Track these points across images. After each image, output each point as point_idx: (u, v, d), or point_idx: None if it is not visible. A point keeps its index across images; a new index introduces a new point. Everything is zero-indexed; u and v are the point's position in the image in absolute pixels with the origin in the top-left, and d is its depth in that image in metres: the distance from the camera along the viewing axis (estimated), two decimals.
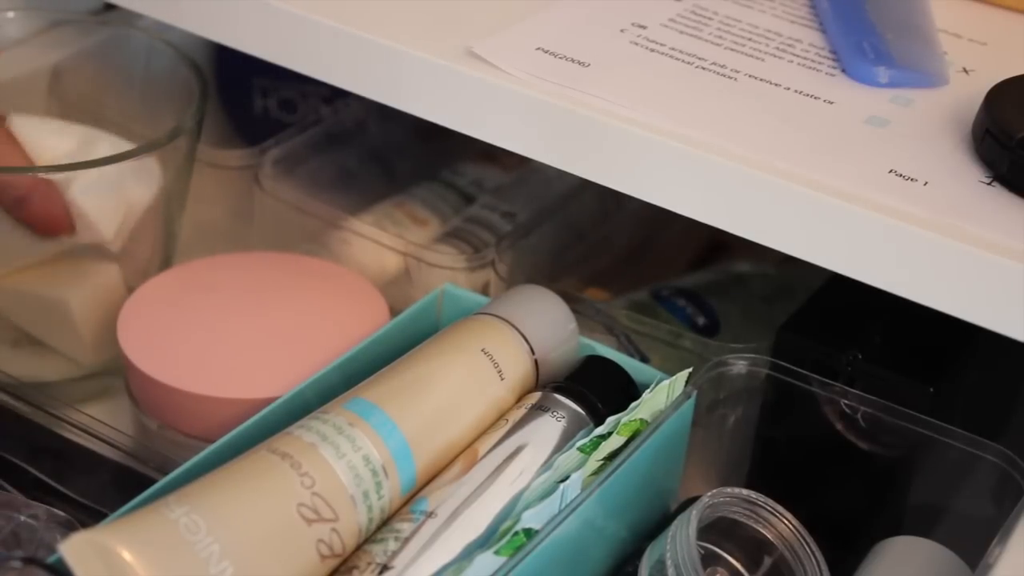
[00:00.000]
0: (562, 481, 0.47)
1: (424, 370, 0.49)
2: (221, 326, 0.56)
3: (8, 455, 0.53)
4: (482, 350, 0.50)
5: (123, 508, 0.44)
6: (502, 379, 0.50)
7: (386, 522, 0.46)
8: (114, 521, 0.41)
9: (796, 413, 0.54)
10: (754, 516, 0.49)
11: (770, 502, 0.49)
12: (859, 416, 0.52)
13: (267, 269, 0.60)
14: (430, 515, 0.46)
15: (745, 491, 0.49)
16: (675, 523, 0.47)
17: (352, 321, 0.57)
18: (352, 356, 0.52)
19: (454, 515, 0.46)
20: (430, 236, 0.68)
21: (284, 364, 0.54)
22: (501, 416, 0.50)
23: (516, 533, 0.45)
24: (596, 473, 0.48)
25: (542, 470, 0.48)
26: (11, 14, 0.66)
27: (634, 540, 0.51)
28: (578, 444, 0.48)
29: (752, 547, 0.49)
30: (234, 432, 0.47)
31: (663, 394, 0.51)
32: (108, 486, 0.52)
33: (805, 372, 0.52)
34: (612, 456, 0.48)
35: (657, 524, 0.52)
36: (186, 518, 0.40)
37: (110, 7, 0.67)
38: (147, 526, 0.40)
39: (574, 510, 0.46)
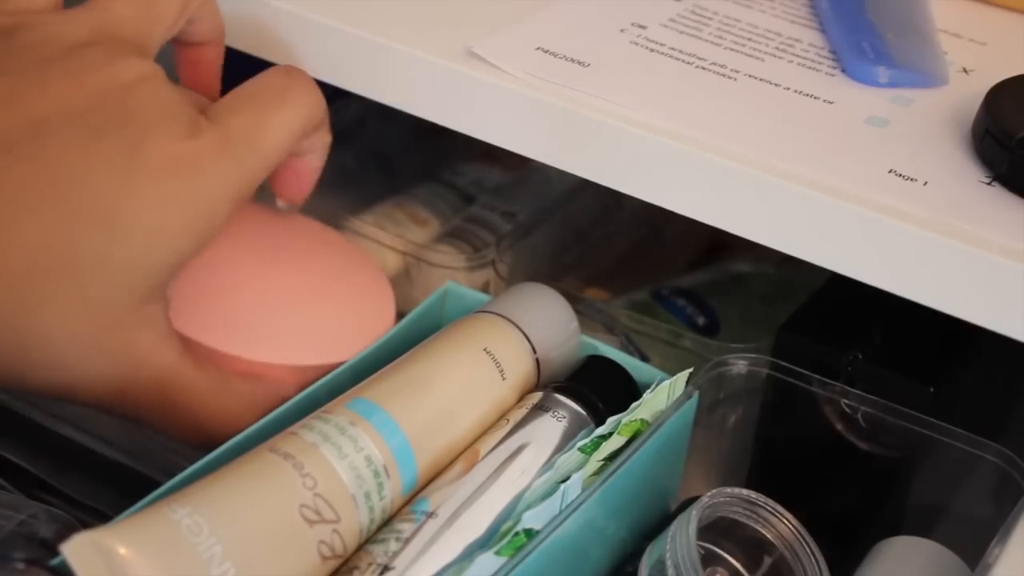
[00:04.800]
0: (563, 481, 0.47)
1: (426, 369, 0.49)
2: (240, 283, 0.54)
3: (8, 455, 0.53)
4: (484, 349, 0.50)
5: (129, 510, 0.43)
6: (504, 379, 0.50)
7: (387, 522, 0.46)
8: (116, 522, 0.41)
9: (796, 413, 0.54)
10: (754, 516, 0.49)
11: (770, 502, 0.49)
12: (859, 416, 0.52)
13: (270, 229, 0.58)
14: (431, 515, 0.45)
15: (745, 491, 0.48)
16: (675, 523, 0.47)
17: (359, 317, 0.56)
18: (364, 358, 0.52)
19: (455, 515, 0.46)
20: (430, 236, 0.68)
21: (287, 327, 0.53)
22: (502, 416, 0.50)
23: (517, 533, 0.45)
24: (597, 473, 0.48)
25: (543, 470, 0.48)
26: None
27: (634, 540, 0.51)
28: (579, 444, 0.48)
29: (752, 547, 0.49)
30: (250, 430, 0.47)
31: (664, 394, 0.51)
32: (108, 486, 0.52)
33: (805, 372, 0.52)
34: (613, 456, 0.48)
35: (657, 524, 0.52)
36: (188, 519, 0.40)
37: None
38: (149, 527, 0.40)
39: (575, 510, 0.46)
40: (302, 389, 0.50)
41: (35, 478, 0.52)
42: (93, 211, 0.43)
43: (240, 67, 0.68)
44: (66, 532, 0.47)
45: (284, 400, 0.50)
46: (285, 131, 0.48)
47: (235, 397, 0.48)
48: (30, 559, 0.41)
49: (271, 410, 0.49)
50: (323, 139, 0.53)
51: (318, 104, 0.50)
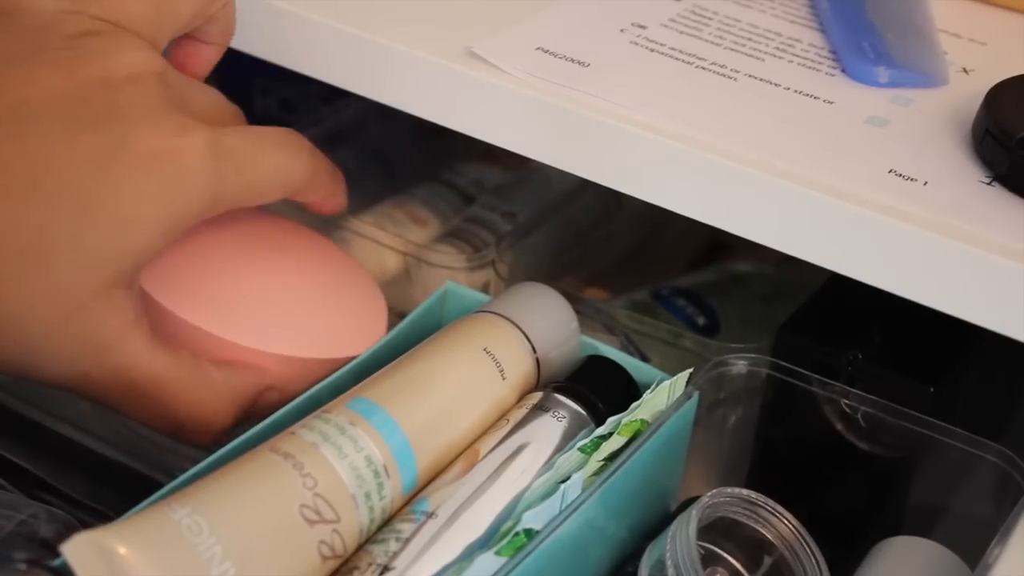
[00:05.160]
0: (563, 481, 0.47)
1: (426, 369, 0.49)
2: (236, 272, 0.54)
3: (8, 454, 0.53)
4: (484, 349, 0.50)
5: (132, 510, 0.43)
6: (504, 378, 0.50)
7: (387, 522, 0.46)
8: (116, 522, 0.41)
9: (796, 413, 0.54)
10: (754, 516, 0.49)
11: (770, 502, 0.49)
12: (859, 416, 0.52)
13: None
14: (431, 515, 0.45)
15: (745, 491, 0.48)
16: (675, 523, 0.47)
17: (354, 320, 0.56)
18: (366, 359, 0.52)
19: (455, 515, 0.46)
20: (430, 236, 0.68)
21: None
22: (502, 416, 0.50)
23: (517, 534, 0.45)
24: (597, 473, 0.48)
25: (543, 470, 0.48)
26: None
27: (634, 540, 0.51)
28: (579, 444, 0.48)
29: (752, 547, 0.49)
30: (253, 431, 0.47)
31: (664, 394, 0.51)
32: (108, 486, 0.52)
33: (805, 372, 0.52)
34: (613, 456, 0.48)
35: (657, 524, 0.52)
36: (188, 519, 0.40)
37: None
38: (149, 527, 0.40)
39: (575, 510, 0.46)
40: (283, 384, 0.50)
41: (35, 478, 0.52)
42: (67, 196, 0.43)
43: (240, 67, 0.68)
44: (66, 532, 0.48)
45: (260, 393, 0.50)
46: (273, 171, 0.49)
47: (208, 387, 0.48)
48: (30, 559, 0.41)
49: (246, 403, 0.49)
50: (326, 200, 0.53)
51: (312, 174, 0.51)
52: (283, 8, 0.54)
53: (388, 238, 0.65)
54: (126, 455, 0.53)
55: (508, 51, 0.52)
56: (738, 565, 0.50)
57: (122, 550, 0.38)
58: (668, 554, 0.46)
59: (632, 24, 0.55)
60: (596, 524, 0.48)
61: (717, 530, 0.49)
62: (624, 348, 0.60)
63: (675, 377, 0.51)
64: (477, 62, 0.51)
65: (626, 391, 0.52)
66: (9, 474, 0.52)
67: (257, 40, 0.55)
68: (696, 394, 0.51)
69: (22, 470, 0.52)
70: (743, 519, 0.49)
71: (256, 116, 0.78)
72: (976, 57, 0.55)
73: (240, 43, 0.56)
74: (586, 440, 0.49)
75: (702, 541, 0.49)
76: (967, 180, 0.47)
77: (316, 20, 0.53)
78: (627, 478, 0.48)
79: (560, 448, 0.49)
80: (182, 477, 0.45)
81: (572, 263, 0.69)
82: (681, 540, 0.46)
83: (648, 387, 0.51)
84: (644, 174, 0.49)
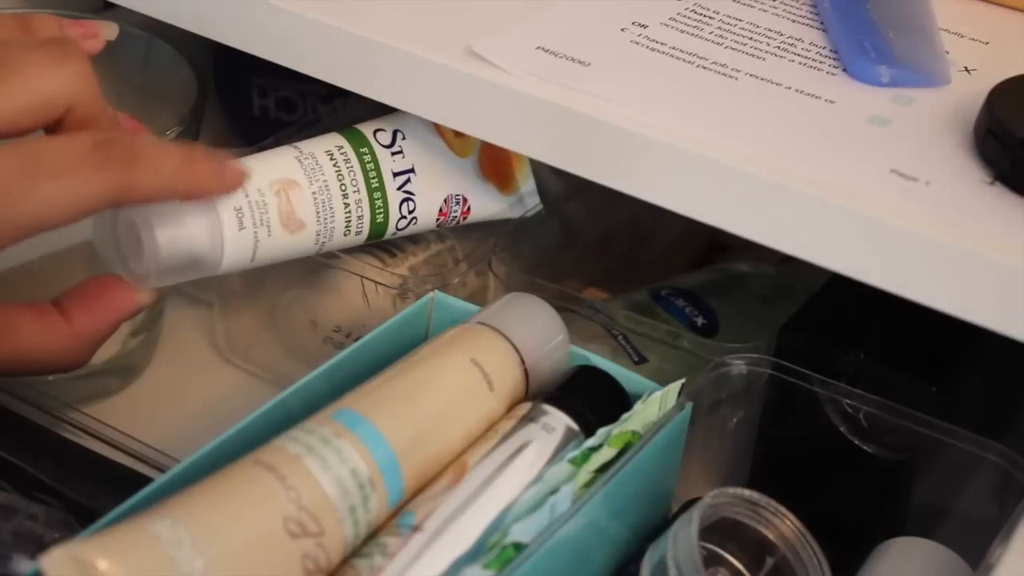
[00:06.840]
0: (552, 494, 0.46)
1: (413, 381, 0.48)
2: None
3: (7, 455, 0.53)
4: (471, 360, 0.50)
5: (99, 522, 0.43)
6: (491, 390, 0.50)
7: (373, 535, 0.45)
8: (94, 534, 0.40)
9: (798, 413, 0.54)
10: (756, 516, 0.49)
11: (772, 502, 0.49)
12: (861, 416, 0.52)
13: None
14: (417, 529, 0.45)
15: (747, 491, 0.48)
16: (677, 523, 0.47)
17: None
18: (336, 364, 0.51)
19: (441, 529, 0.45)
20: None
21: None
22: (491, 427, 0.49)
23: (505, 547, 0.44)
24: (586, 485, 0.47)
25: (531, 483, 0.47)
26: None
27: (635, 541, 0.51)
28: (568, 456, 0.48)
29: (754, 548, 0.49)
30: (216, 441, 0.46)
31: (655, 405, 0.50)
32: (107, 486, 0.52)
33: (807, 372, 0.52)
34: (603, 468, 0.48)
35: (658, 525, 0.52)
36: (169, 531, 0.40)
37: (110, 6, 0.67)
38: (128, 539, 0.39)
39: (568, 519, 0.45)
40: None
41: (34, 478, 0.52)
42: None
43: (240, 67, 0.68)
44: (64, 532, 0.48)
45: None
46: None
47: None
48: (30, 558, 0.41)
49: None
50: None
51: (64, 84, 0.46)
52: (282, 8, 0.54)
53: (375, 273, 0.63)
54: (125, 455, 0.53)
55: (509, 50, 0.52)
56: (740, 566, 0.50)
57: (101, 564, 0.38)
58: (670, 555, 0.46)
59: (633, 23, 0.55)
60: (582, 542, 0.47)
61: (719, 531, 0.49)
62: (621, 349, 0.60)
63: (667, 388, 0.50)
64: (477, 61, 0.51)
65: (616, 402, 0.51)
66: (9, 474, 0.52)
67: (257, 40, 0.55)
68: (689, 405, 0.50)
69: (22, 470, 0.52)
70: (745, 520, 0.49)
71: (255, 116, 0.78)
72: (978, 56, 0.55)
73: (240, 43, 0.56)
74: (576, 452, 0.48)
75: (704, 542, 0.49)
76: (969, 180, 0.47)
77: (315, 19, 0.53)
78: (614, 494, 0.47)
79: (549, 460, 0.48)
80: (157, 482, 0.44)
81: (571, 263, 0.69)
82: (683, 541, 0.45)
83: (639, 397, 0.50)
84: (644, 174, 0.49)
